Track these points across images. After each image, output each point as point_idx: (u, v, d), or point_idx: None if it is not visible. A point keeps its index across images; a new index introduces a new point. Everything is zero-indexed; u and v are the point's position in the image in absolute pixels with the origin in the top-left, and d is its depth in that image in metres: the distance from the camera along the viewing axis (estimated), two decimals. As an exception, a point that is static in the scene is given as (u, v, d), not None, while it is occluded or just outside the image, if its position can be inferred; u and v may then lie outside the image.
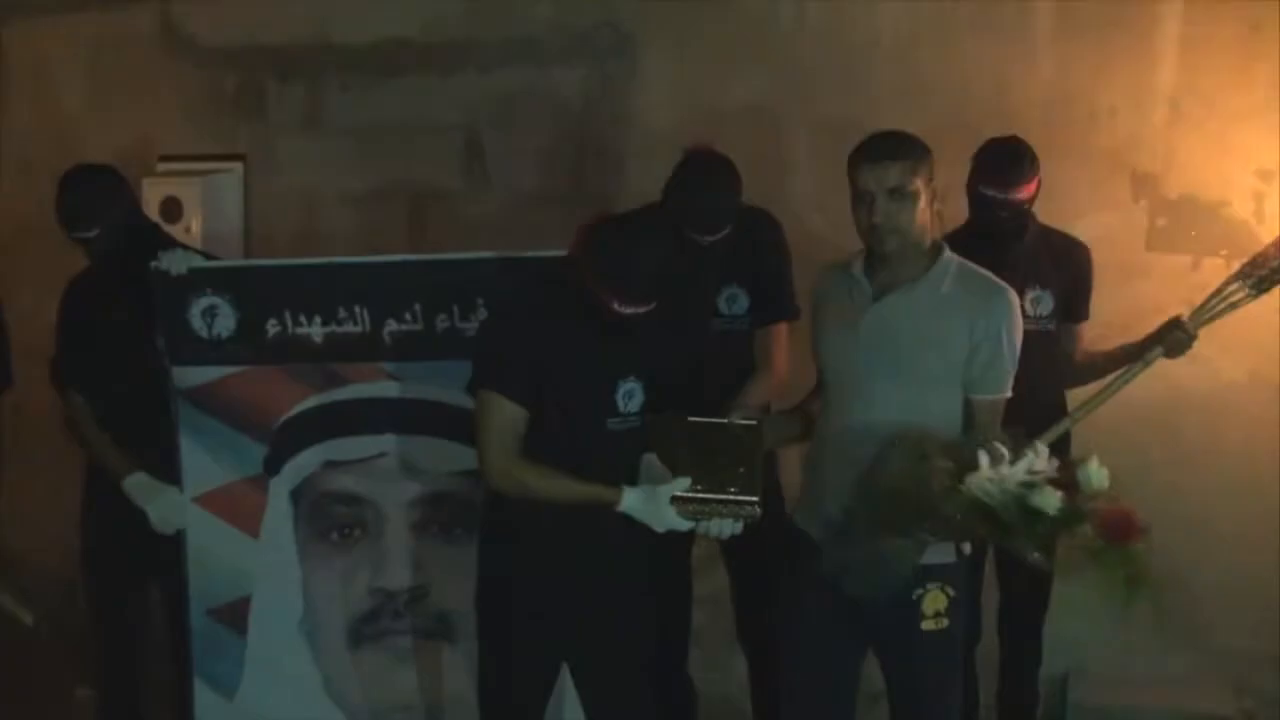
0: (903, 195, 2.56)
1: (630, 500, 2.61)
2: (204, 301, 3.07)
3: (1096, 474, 2.50)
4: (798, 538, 2.71)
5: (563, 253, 2.68)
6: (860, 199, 2.60)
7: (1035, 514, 2.43)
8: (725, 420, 2.74)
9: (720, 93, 3.85)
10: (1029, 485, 2.44)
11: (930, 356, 2.60)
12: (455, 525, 3.15)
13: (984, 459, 2.45)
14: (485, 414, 2.66)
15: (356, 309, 3.10)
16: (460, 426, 2.99)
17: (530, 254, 3.04)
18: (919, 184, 2.58)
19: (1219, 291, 3.15)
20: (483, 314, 3.05)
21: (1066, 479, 2.50)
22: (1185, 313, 3.19)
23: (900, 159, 2.57)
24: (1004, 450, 2.45)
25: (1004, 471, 2.43)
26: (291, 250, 3.78)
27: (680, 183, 3.04)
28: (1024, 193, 3.18)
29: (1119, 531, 2.45)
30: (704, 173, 3.02)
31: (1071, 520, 2.44)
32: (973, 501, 2.42)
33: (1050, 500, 2.43)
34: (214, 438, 3.10)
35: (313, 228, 4.04)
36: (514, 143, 3.97)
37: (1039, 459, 2.48)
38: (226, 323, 3.08)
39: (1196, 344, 3.19)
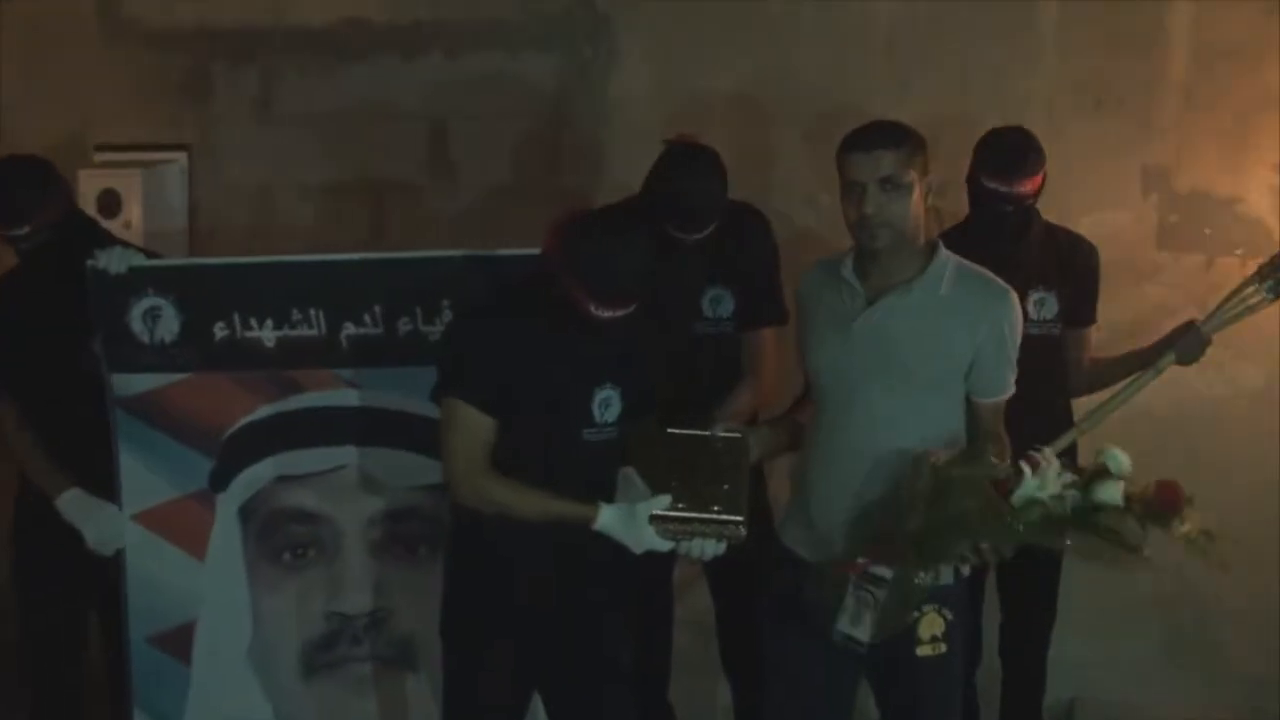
0: (895, 186, 2.58)
1: (607, 518, 2.61)
2: (145, 303, 3.05)
3: (1122, 457, 2.59)
4: (785, 557, 2.72)
5: (535, 251, 2.68)
6: (850, 190, 2.62)
7: (1103, 509, 2.51)
8: (709, 432, 2.75)
9: (704, 81, 3.87)
10: (1070, 485, 2.52)
11: (931, 363, 2.62)
12: (419, 544, 3.15)
13: (1027, 471, 2.51)
14: (451, 424, 2.66)
15: (312, 311, 3.09)
16: (424, 437, 2.98)
17: (500, 252, 3.04)
18: (913, 175, 2.59)
19: (1235, 294, 3.17)
20: (448, 316, 3.05)
21: (1094, 465, 2.59)
22: (1199, 316, 3.21)
23: (893, 147, 2.58)
24: (1040, 457, 2.53)
25: (1050, 477, 2.51)
26: (241, 248, 3.76)
27: (662, 176, 3.04)
28: (1028, 187, 3.20)
29: (1169, 502, 2.56)
30: (687, 165, 3.03)
31: (1128, 503, 2.54)
32: (1044, 516, 2.49)
33: (1114, 491, 2.51)
34: (156, 451, 3.09)
35: (264, 223, 4.02)
36: (483, 133, 3.96)
37: (1053, 460, 2.55)
38: (170, 326, 3.07)
39: (1211, 350, 3.21)
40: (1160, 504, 2.56)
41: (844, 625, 2.56)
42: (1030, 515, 2.49)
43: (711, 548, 2.61)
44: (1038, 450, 2.58)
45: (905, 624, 2.55)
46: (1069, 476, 2.54)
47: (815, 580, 2.63)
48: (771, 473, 3.18)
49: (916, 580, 2.51)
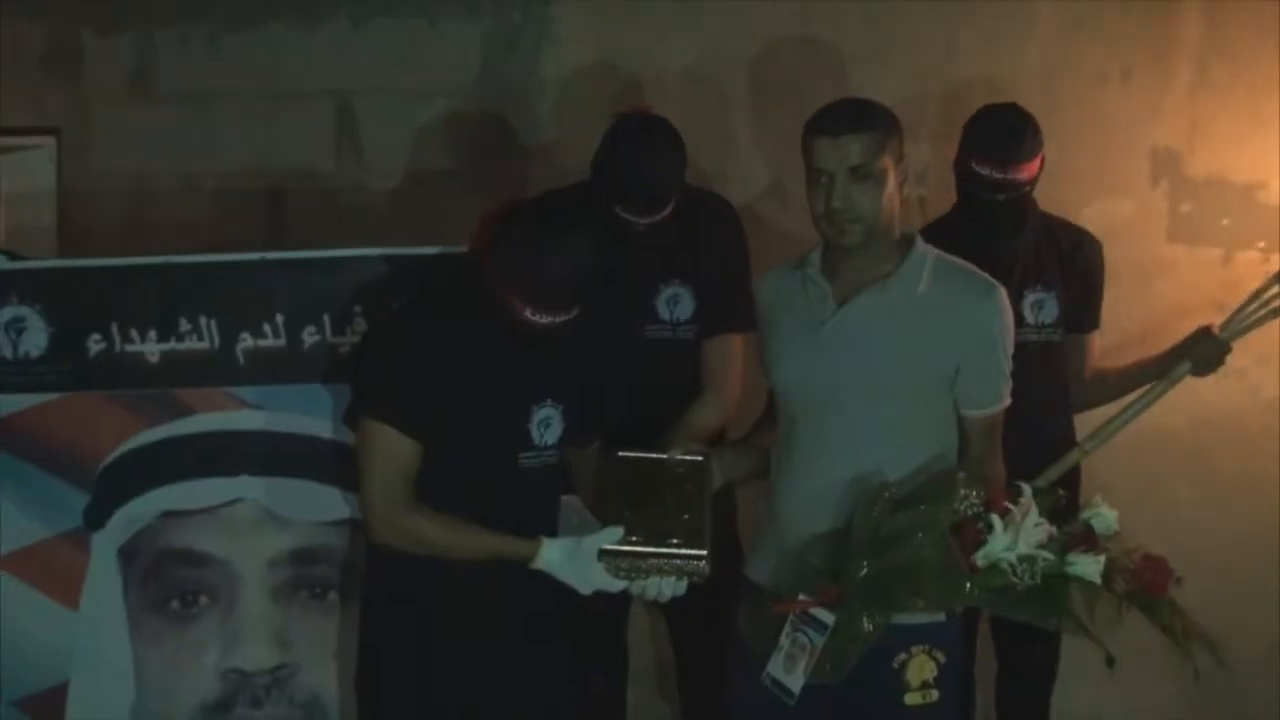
0: (866, 175, 2.61)
1: (549, 555, 2.62)
2: (7, 312, 3.03)
3: (1109, 515, 2.61)
4: (755, 596, 2.73)
5: (462, 249, 2.68)
6: (815, 180, 2.64)
7: (1078, 584, 2.53)
8: (665, 455, 2.76)
9: (653, 53, 3.88)
10: (1044, 546, 2.52)
11: (911, 369, 2.66)
12: (329, 588, 3.13)
13: (998, 524, 2.52)
14: (368, 449, 2.65)
15: (202, 320, 3.08)
16: (335, 465, 2.98)
17: (421, 250, 3.04)
18: (886, 162, 2.62)
19: (1258, 294, 3.23)
20: (362, 325, 3.04)
21: (1076, 525, 2.60)
22: (1216, 320, 3.27)
23: (863, 131, 2.61)
24: (1019, 502, 2.54)
25: (1023, 535, 2.51)
26: (118, 247, 3.72)
27: (611, 152, 3.05)
28: (1024, 172, 3.24)
29: (1154, 582, 2.57)
30: (640, 138, 3.03)
31: (1108, 580, 2.55)
32: (1006, 585, 2.51)
33: (1092, 568, 2.53)
34: (21, 484, 3.06)
35: (145, 218, 3.99)
36: (397, 112, 3.96)
37: (1026, 500, 2.56)
38: (37, 339, 3.04)
39: (1230, 358, 3.27)
40: (1145, 584, 2.58)
41: (775, 669, 2.59)
42: (990, 580, 2.51)
43: (670, 587, 2.62)
44: (1018, 488, 2.60)
45: (841, 675, 2.56)
46: (1045, 533, 2.54)
47: (750, 613, 2.67)
48: (740, 500, 3.19)
49: (860, 628, 2.53)
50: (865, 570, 2.52)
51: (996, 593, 2.53)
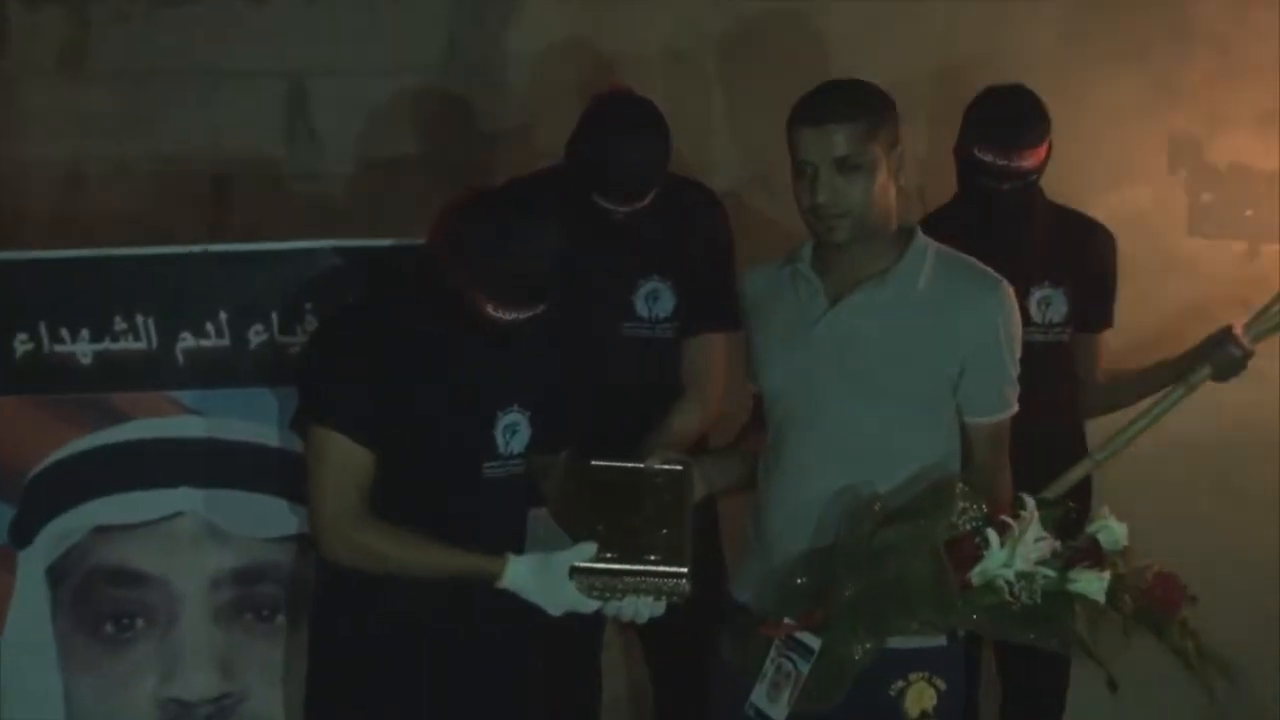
0: (854, 167, 2.62)
1: (516, 573, 2.62)
2: (-74, 310, 3.03)
3: (1117, 529, 2.61)
4: (741, 617, 2.73)
5: (421, 241, 2.68)
6: (800, 172, 2.65)
7: (1080, 604, 2.54)
8: (643, 464, 2.76)
9: (630, 30, 3.88)
10: (1046, 562, 2.53)
11: (910, 373, 2.66)
12: (277, 610, 3.14)
13: (994, 538, 2.52)
14: (319, 459, 2.65)
15: (139, 319, 3.08)
16: (282, 476, 2.98)
17: (376, 242, 3.04)
18: (876, 151, 2.63)
19: (1284, 293, 3.25)
20: (314, 324, 3.04)
21: (1081, 540, 2.60)
22: (1239, 319, 3.28)
23: (849, 119, 2.62)
24: (1020, 515, 2.55)
25: (1021, 551, 2.51)
26: (48, 238, 3.73)
27: (588, 134, 3.06)
28: (1030, 159, 3.25)
29: (1165, 601, 2.57)
30: (621, 120, 3.04)
31: (1114, 598, 2.55)
32: (1000, 604, 2.51)
33: (1096, 585, 2.53)
34: (-59, 496, 3.06)
35: (77, 207, 3.98)
36: (354, 94, 3.96)
37: (1028, 514, 2.56)
38: (-43, 338, 3.04)
39: (1254, 361, 3.28)
40: (1155, 603, 2.58)
41: (759, 698, 2.60)
42: (985, 599, 2.52)
43: (648, 608, 2.62)
44: (1021, 500, 2.61)
45: (829, 704, 2.56)
46: (1048, 546, 2.55)
47: (734, 637, 2.67)
48: (724, 513, 3.19)
49: (850, 653, 2.53)
50: (851, 589, 2.52)
51: (993, 613, 2.53)
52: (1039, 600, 2.52)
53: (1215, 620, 2.67)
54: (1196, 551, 3.76)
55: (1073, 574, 2.54)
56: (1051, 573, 2.53)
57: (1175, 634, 2.58)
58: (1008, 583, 2.51)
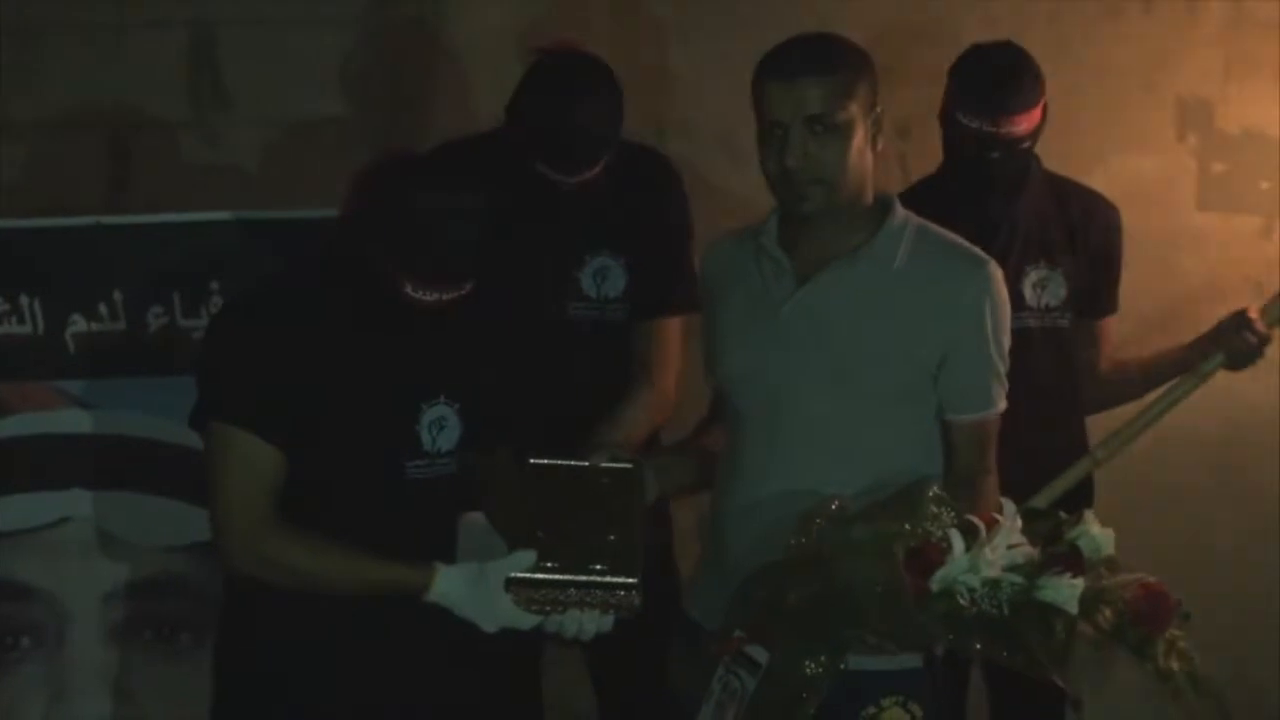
0: (828, 128, 2.62)
1: (446, 585, 2.60)
2: None
3: (1100, 536, 2.60)
4: (696, 634, 2.73)
5: (336, 213, 2.66)
6: (769, 133, 2.65)
7: (1050, 615, 2.51)
8: (588, 462, 2.75)
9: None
10: (1017, 569, 2.51)
11: (882, 362, 2.66)
12: (179, 628, 3.14)
13: (957, 542, 2.50)
14: (220, 458, 2.62)
15: (23, 300, 3.08)
16: (184, 477, 2.97)
17: (289, 214, 3.07)
18: (853, 111, 2.63)
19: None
20: (218, 305, 3.03)
21: (1059, 547, 2.59)
22: (1254, 303, 3.29)
23: (824, 75, 2.62)
24: (996, 521, 2.54)
25: (986, 556, 2.50)
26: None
27: (531, 96, 3.06)
28: (1022, 125, 3.24)
29: (1153, 616, 2.55)
30: (565, 80, 3.05)
31: (1091, 611, 2.53)
32: (953, 611, 2.49)
33: (1066, 593, 2.51)
34: None
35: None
36: (270, 47, 3.94)
37: (1007, 520, 2.55)
38: None
39: (1270, 348, 3.29)
40: (1140, 618, 2.56)
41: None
42: (941, 606, 2.50)
43: (593, 623, 2.61)
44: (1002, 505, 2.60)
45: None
46: (1023, 555, 2.54)
47: (688, 656, 2.68)
48: (678, 518, 3.19)
49: (802, 671, 2.52)
50: (794, 596, 2.51)
51: (949, 622, 2.51)
52: (1004, 610, 2.51)
53: (1225, 623, 2.67)
54: (1204, 553, 3.81)
55: (1041, 581, 2.52)
56: (1019, 580, 2.51)
57: (1160, 654, 2.56)
58: (969, 590, 2.49)
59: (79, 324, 3.09)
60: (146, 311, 3.09)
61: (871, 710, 2.62)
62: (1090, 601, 2.53)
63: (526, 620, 2.61)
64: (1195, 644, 2.61)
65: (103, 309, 3.09)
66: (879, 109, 2.68)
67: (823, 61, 2.63)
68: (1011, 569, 2.52)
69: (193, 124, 3.97)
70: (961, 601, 2.48)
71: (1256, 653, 3.64)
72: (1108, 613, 2.55)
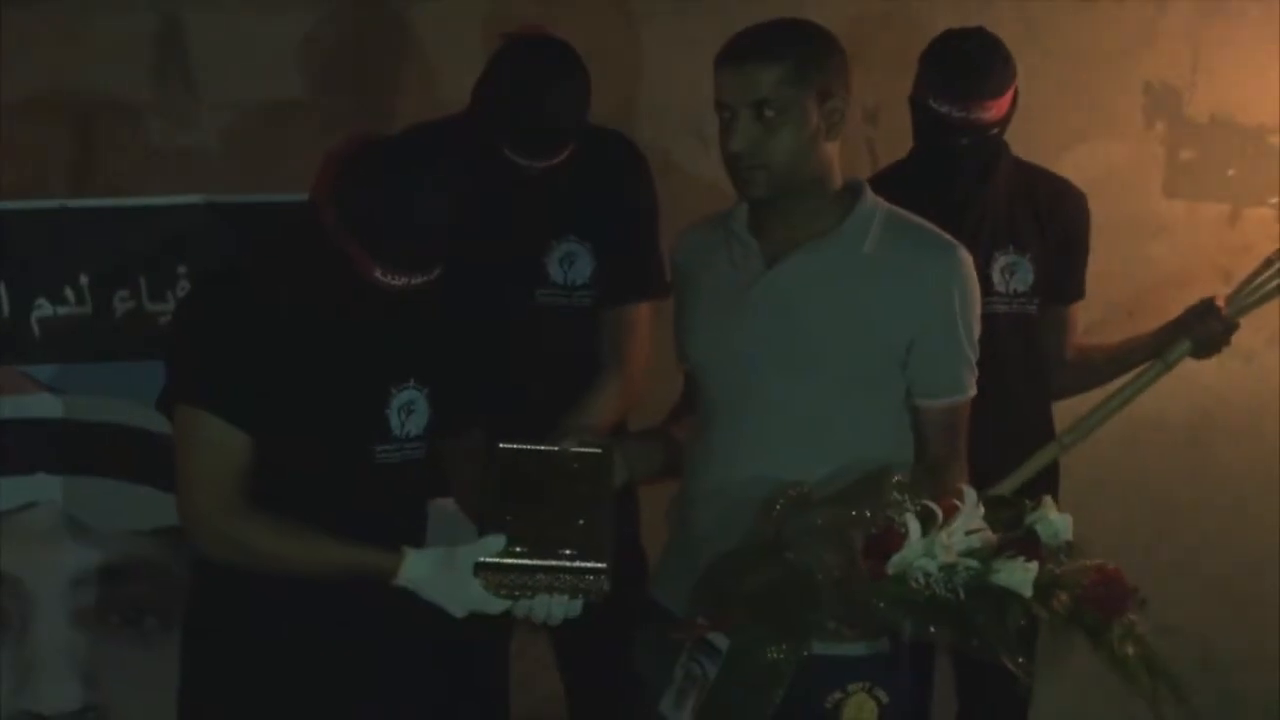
0: (775, 113, 2.62)
1: (415, 569, 2.61)
2: None
3: (1058, 521, 2.60)
4: (663, 619, 2.74)
5: (304, 197, 2.67)
6: (719, 117, 2.67)
7: (1005, 599, 2.52)
8: (557, 447, 2.76)
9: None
10: (975, 553, 2.52)
11: (853, 346, 2.67)
12: (146, 613, 3.14)
13: (914, 526, 2.51)
14: (188, 443, 2.63)
15: (-12, 283, 3.07)
16: (152, 462, 2.97)
17: (260, 199, 3.05)
18: (806, 98, 2.64)
19: (1269, 262, 3.27)
20: (186, 290, 3.03)
21: (1017, 532, 2.60)
22: (1221, 291, 3.31)
23: (775, 60, 2.63)
24: (953, 506, 2.54)
25: (943, 540, 2.51)
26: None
27: (497, 80, 3.07)
28: (991, 111, 3.26)
29: (1109, 602, 2.56)
30: (531, 64, 3.05)
31: (1046, 596, 2.53)
32: (905, 595, 2.50)
33: (1020, 576, 2.52)
34: None
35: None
36: (237, 30, 3.93)
37: (968, 507, 2.56)
38: None
39: (1237, 336, 3.31)
40: (1096, 604, 2.57)
41: (665, 707, 2.62)
42: (893, 590, 2.50)
43: (562, 608, 2.61)
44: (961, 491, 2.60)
45: (748, 717, 2.56)
46: (981, 540, 2.54)
47: (654, 642, 2.68)
48: (647, 503, 3.20)
49: (764, 658, 2.53)
50: (752, 581, 2.53)
51: (902, 606, 2.52)
52: (960, 594, 2.51)
53: (1192, 605, 2.69)
54: (1171, 538, 3.83)
55: (996, 564, 2.52)
56: (975, 564, 2.52)
57: (1114, 639, 2.56)
58: (925, 574, 2.50)
59: (45, 308, 3.07)
60: (113, 295, 3.08)
61: (838, 696, 2.63)
62: (1046, 586, 2.54)
63: (495, 605, 2.61)
64: (1160, 628, 2.62)
65: (69, 293, 3.07)
66: (839, 97, 2.67)
67: (776, 46, 2.64)
68: (968, 554, 2.52)
69: (159, 107, 3.96)
70: (915, 585, 2.48)
71: (1222, 636, 3.68)
72: (1063, 597, 2.55)
